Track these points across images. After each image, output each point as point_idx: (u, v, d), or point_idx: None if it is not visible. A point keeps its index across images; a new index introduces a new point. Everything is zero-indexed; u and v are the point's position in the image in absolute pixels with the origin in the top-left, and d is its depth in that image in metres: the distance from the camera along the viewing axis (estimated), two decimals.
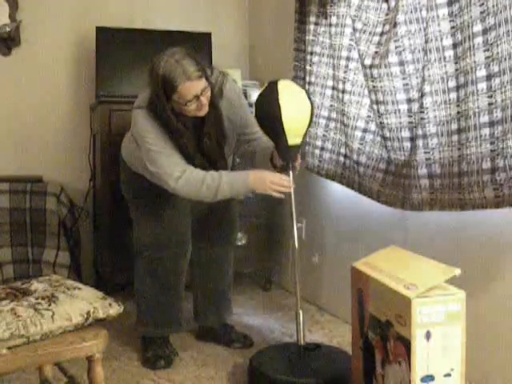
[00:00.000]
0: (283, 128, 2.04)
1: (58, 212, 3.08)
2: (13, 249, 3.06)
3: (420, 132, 2.07)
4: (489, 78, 1.80)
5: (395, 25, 2.13)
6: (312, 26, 2.70)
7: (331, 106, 2.67)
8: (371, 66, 2.25)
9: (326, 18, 2.60)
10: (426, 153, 2.06)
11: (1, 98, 3.34)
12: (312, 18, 2.70)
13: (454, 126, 1.97)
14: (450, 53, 1.95)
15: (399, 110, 2.19)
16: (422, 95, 2.04)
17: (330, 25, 2.55)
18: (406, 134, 2.19)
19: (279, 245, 3.45)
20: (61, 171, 3.43)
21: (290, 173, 2.14)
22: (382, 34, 2.26)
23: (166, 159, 2.11)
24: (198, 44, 3.41)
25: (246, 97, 3.02)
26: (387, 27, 2.23)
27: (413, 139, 2.14)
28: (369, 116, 2.43)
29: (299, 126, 2.09)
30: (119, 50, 3.31)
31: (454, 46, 1.93)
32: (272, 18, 3.57)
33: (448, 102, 1.98)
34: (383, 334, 1.74)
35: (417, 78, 2.12)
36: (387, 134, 2.26)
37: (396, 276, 1.72)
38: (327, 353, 2.22)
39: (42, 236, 3.08)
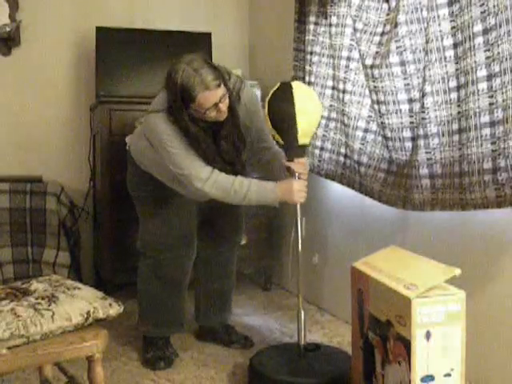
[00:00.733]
0: (296, 127, 2.06)
1: (58, 212, 3.08)
2: (13, 249, 3.06)
3: (421, 132, 2.07)
4: (489, 78, 1.80)
5: (396, 25, 2.13)
6: (312, 26, 2.70)
7: (331, 105, 2.67)
8: (372, 66, 2.25)
9: (325, 18, 2.60)
10: (427, 153, 2.06)
11: (1, 97, 3.34)
12: (312, 18, 2.70)
13: (455, 126, 1.97)
14: (450, 53, 1.95)
15: (400, 110, 2.19)
16: (423, 95, 2.04)
17: (330, 25, 2.55)
18: (407, 133, 2.19)
19: (279, 245, 3.45)
20: (61, 171, 3.43)
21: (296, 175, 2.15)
22: (382, 34, 2.26)
23: (191, 162, 2.10)
24: (197, 44, 3.41)
25: None
26: (388, 27, 2.23)
27: (414, 139, 2.14)
28: (370, 116, 2.43)
29: (311, 126, 2.12)
30: (119, 50, 3.32)
31: (455, 45, 1.93)
32: (272, 18, 3.58)
33: (449, 102, 1.98)
34: (383, 334, 1.74)
35: (418, 78, 2.12)
36: (389, 134, 2.26)
37: (396, 276, 1.72)
38: (327, 353, 2.22)
39: (42, 236, 3.08)
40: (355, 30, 2.38)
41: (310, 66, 2.73)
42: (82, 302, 1.65)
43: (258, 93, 3.28)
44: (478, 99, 1.84)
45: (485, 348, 2.04)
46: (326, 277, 3.06)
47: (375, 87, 2.25)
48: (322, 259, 3.09)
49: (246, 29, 3.87)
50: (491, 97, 1.80)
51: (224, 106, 2.05)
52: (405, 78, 2.15)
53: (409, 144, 2.19)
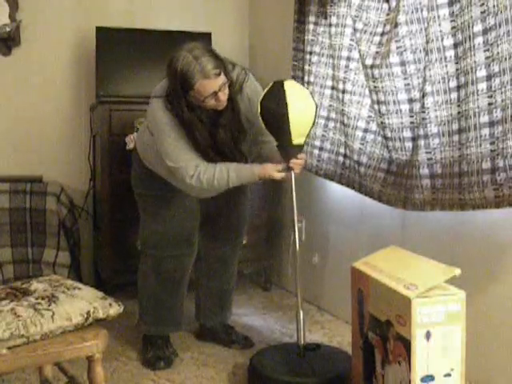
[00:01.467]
0: (289, 127, 2.05)
1: (58, 212, 3.08)
2: (13, 249, 3.06)
3: (421, 132, 2.07)
4: (489, 78, 1.80)
5: (396, 25, 2.13)
6: (311, 26, 2.70)
7: (330, 105, 2.67)
8: (372, 66, 2.25)
9: (325, 18, 2.60)
10: (427, 153, 2.06)
11: (1, 97, 3.34)
12: (311, 18, 2.70)
13: (455, 126, 1.97)
14: (450, 53, 1.95)
15: (401, 110, 2.19)
16: (424, 95, 2.04)
17: (330, 25, 2.55)
18: (407, 134, 2.19)
19: (279, 245, 3.45)
20: (61, 171, 3.43)
21: (292, 173, 2.15)
22: (382, 34, 2.26)
23: (181, 152, 2.12)
24: None
25: None
26: (388, 27, 2.23)
27: (414, 139, 2.14)
28: (370, 116, 2.43)
29: (305, 125, 2.11)
30: (119, 49, 3.32)
31: (455, 46, 1.93)
32: (272, 18, 3.58)
33: (449, 102, 1.98)
34: (383, 334, 1.74)
35: (418, 78, 2.12)
36: (389, 134, 2.26)
37: (396, 276, 1.72)
38: (327, 353, 2.22)
39: (42, 236, 3.08)
40: (355, 30, 2.38)
41: (309, 65, 2.73)
42: (82, 302, 1.65)
43: None
44: (478, 99, 1.84)
45: (485, 348, 2.04)
46: (326, 277, 3.06)
47: (375, 87, 2.25)
48: (322, 259, 3.09)
49: (246, 29, 3.87)
50: (490, 97, 1.80)
51: (223, 96, 2.05)
52: (405, 78, 2.15)
53: (409, 144, 2.19)
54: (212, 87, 2.01)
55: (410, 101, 2.16)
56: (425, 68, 2.03)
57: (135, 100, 3.11)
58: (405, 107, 2.18)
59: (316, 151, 2.75)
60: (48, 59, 3.42)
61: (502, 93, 1.76)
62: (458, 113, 1.94)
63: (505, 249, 1.97)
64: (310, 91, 2.72)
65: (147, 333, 2.45)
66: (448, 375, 1.63)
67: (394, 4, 2.21)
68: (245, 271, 3.32)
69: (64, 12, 3.43)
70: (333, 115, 2.66)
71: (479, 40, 1.81)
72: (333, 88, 2.63)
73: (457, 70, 1.93)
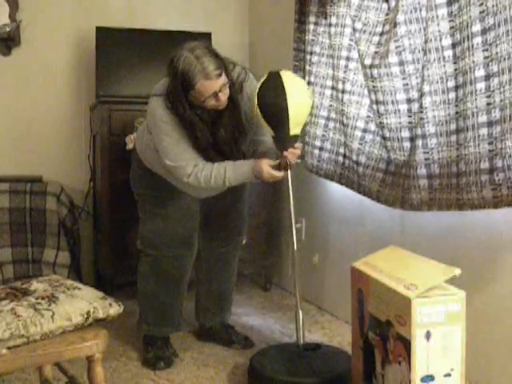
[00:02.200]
0: (288, 117, 2.05)
1: (58, 212, 3.08)
2: (13, 249, 3.06)
3: (419, 132, 2.07)
4: (487, 77, 1.80)
5: (395, 25, 2.13)
6: (312, 26, 2.70)
7: (330, 105, 2.67)
8: (371, 66, 2.25)
9: (325, 18, 2.60)
10: (425, 153, 2.06)
11: (1, 97, 3.34)
12: (312, 18, 2.70)
13: (453, 126, 1.97)
14: (449, 53, 1.95)
15: (399, 110, 2.19)
16: (422, 95, 2.04)
17: (330, 25, 2.55)
18: (405, 134, 2.19)
19: (279, 245, 3.45)
20: (61, 171, 3.43)
21: (289, 173, 2.15)
22: (381, 34, 2.26)
23: (179, 151, 2.12)
24: None
25: None
26: (387, 27, 2.23)
27: (412, 139, 2.14)
28: (368, 116, 2.43)
29: (302, 115, 2.11)
30: (119, 49, 3.32)
31: (453, 45, 1.93)
32: (272, 18, 3.58)
33: (447, 102, 1.98)
34: (383, 334, 1.74)
35: (417, 78, 2.12)
36: (387, 134, 2.26)
37: (396, 276, 1.72)
38: (327, 353, 2.22)
39: (42, 236, 3.08)
40: (354, 29, 2.38)
41: (309, 65, 2.73)
42: (82, 302, 1.65)
43: None
44: (476, 99, 1.83)
45: (485, 348, 2.04)
46: (326, 277, 3.06)
47: (374, 87, 2.25)
48: (322, 259, 3.09)
49: (245, 29, 3.87)
50: (489, 97, 1.80)
51: (223, 96, 2.06)
52: (403, 78, 2.15)
53: (407, 144, 2.19)
54: (213, 88, 2.01)
55: (409, 101, 2.16)
56: (423, 68, 2.03)
57: (135, 100, 3.11)
58: (403, 107, 2.18)
59: (316, 151, 2.75)
60: (48, 59, 3.42)
61: (500, 93, 1.76)
62: (456, 113, 1.94)
63: (505, 249, 1.97)
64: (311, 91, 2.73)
65: (147, 333, 2.46)
66: (448, 375, 1.63)
67: (393, 4, 2.21)
68: (245, 271, 3.32)
69: (64, 12, 3.43)
70: (333, 115, 2.66)
71: (478, 40, 1.81)
72: (333, 88, 2.63)
73: (455, 69, 1.93)
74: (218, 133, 2.15)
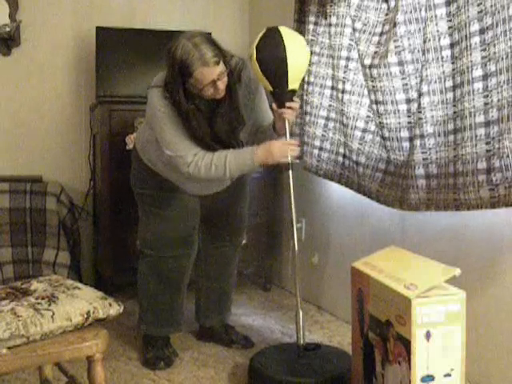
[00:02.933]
0: (287, 71, 2.06)
1: (58, 212, 3.08)
2: (13, 249, 3.06)
3: (417, 132, 2.07)
4: (485, 77, 1.80)
5: (395, 25, 2.13)
6: (311, 26, 2.70)
7: (330, 105, 2.67)
8: (371, 66, 2.25)
9: (325, 18, 2.60)
10: (423, 153, 2.06)
11: (1, 98, 3.34)
12: (311, 18, 2.70)
13: (451, 126, 1.97)
14: (447, 52, 1.95)
15: (398, 110, 2.19)
16: (420, 95, 2.04)
17: (330, 25, 2.55)
18: (404, 134, 2.19)
19: (279, 245, 3.45)
20: (61, 171, 3.43)
21: (290, 173, 2.15)
22: (381, 33, 2.26)
23: (179, 141, 2.11)
24: None
25: None
26: (387, 27, 2.23)
27: (411, 139, 2.14)
28: (368, 116, 2.43)
29: (301, 69, 2.13)
30: (119, 49, 3.31)
31: (452, 45, 1.93)
32: (272, 18, 3.57)
33: (445, 102, 1.98)
34: (383, 334, 1.74)
35: (416, 77, 2.12)
36: (386, 134, 2.26)
37: (396, 276, 1.72)
38: (327, 353, 2.22)
39: (42, 236, 3.08)
40: (354, 30, 2.38)
41: (309, 65, 2.73)
42: (82, 302, 1.65)
43: None
44: (474, 99, 1.83)
45: (485, 348, 2.04)
46: (326, 277, 3.06)
47: (374, 87, 2.25)
48: (322, 259, 3.09)
49: (246, 29, 3.87)
50: (486, 97, 1.80)
51: (222, 84, 2.06)
52: (403, 78, 2.15)
53: (406, 144, 2.19)
54: (211, 75, 2.01)
55: (408, 101, 2.16)
56: (422, 68, 2.03)
57: (135, 100, 3.11)
58: (402, 107, 2.18)
59: (316, 151, 2.75)
60: (48, 59, 3.42)
61: (498, 93, 1.76)
62: (454, 113, 1.94)
63: (505, 249, 1.97)
64: (310, 91, 2.73)
65: (147, 333, 2.45)
66: (448, 375, 1.63)
67: (392, 4, 2.21)
68: (245, 271, 3.32)
69: (64, 12, 3.43)
70: (333, 115, 2.66)
71: (476, 40, 1.81)
72: (332, 88, 2.63)
73: (453, 69, 1.93)
74: (215, 122, 2.15)
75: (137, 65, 3.33)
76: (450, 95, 1.96)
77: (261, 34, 2.12)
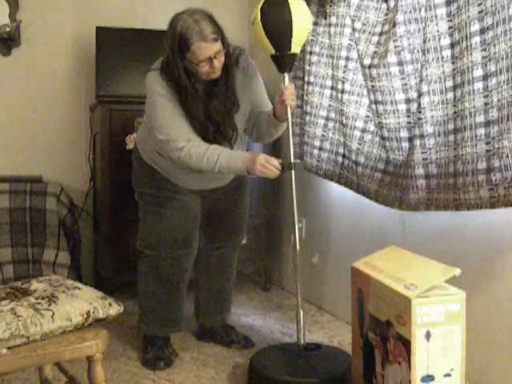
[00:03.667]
0: (292, 33, 2.07)
1: (58, 212, 3.08)
2: (13, 249, 3.06)
3: (417, 132, 2.07)
4: (485, 77, 1.80)
5: (394, 25, 2.13)
6: (311, 26, 2.70)
7: (330, 105, 2.67)
8: (370, 66, 2.25)
9: (325, 18, 2.61)
10: (423, 153, 2.06)
11: (1, 97, 3.34)
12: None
13: (451, 126, 1.97)
14: (447, 52, 1.95)
15: (398, 110, 2.19)
16: (420, 95, 2.04)
17: (330, 25, 2.55)
18: (404, 134, 2.19)
19: (279, 245, 3.45)
20: (61, 171, 3.43)
21: (293, 173, 2.15)
22: (381, 33, 2.26)
23: (172, 125, 2.12)
24: None
25: None
26: (386, 27, 2.23)
27: (411, 139, 2.14)
28: (368, 116, 2.43)
29: (304, 32, 2.15)
30: (119, 49, 3.31)
31: (452, 45, 1.93)
32: None
33: (445, 102, 1.98)
34: (383, 334, 1.74)
35: (415, 78, 2.12)
36: (386, 134, 2.26)
37: (396, 276, 1.72)
38: (327, 353, 2.22)
39: (42, 236, 3.08)
40: (354, 29, 2.38)
41: (309, 65, 2.74)
42: (82, 302, 1.65)
43: None
44: (474, 99, 1.83)
45: (485, 348, 2.04)
46: (326, 277, 3.06)
47: (373, 87, 2.25)
48: (322, 259, 3.09)
49: (245, 29, 3.87)
50: (486, 97, 1.80)
51: (218, 63, 2.08)
52: (402, 78, 2.15)
53: (405, 144, 2.19)
54: (208, 51, 2.03)
55: (408, 101, 2.16)
56: (422, 68, 2.03)
57: (135, 100, 3.10)
58: (402, 107, 2.18)
59: (316, 151, 2.76)
60: (48, 59, 3.42)
61: (498, 93, 1.76)
62: (454, 112, 1.94)
63: (504, 249, 1.97)
64: (310, 91, 2.73)
65: (147, 333, 2.45)
66: (448, 375, 1.63)
67: (392, 4, 2.21)
68: (245, 271, 3.32)
69: (64, 12, 3.43)
70: (332, 115, 2.67)
71: (476, 39, 1.81)
72: (332, 88, 2.64)
73: (453, 69, 1.93)
74: (211, 103, 2.16)
75: (137, 65, 3.32)
76: (450, 95, 1.96)
77: None
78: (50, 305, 1.60)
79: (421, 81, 2.03)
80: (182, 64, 2.08)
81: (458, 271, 1.65)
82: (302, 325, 2.16)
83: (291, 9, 2.06)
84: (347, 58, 2.49)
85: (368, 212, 2.66)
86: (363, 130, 2.45)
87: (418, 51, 2.09)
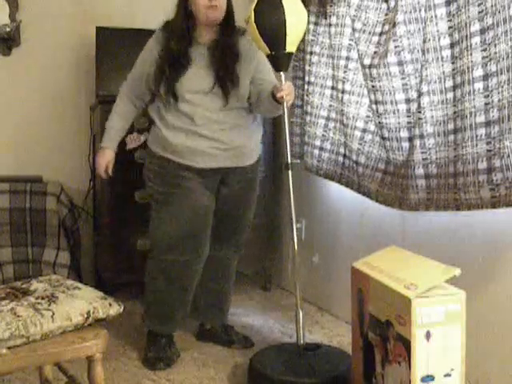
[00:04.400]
0: (285, 33, 2.08)
1: (58, 212, 3.07)
2: (13, 249, 3.06)
3: (417, 132, 2.07)
4: (486, 77, 1.80)
5: (394, 25, 2.13)
6: (312, 26, 2.70)
7: (330, 106, 2.67)
8: (370, 66, 2.25)
9: (325, 18, 2.61)
10: (423, 153, 2.06)
11: (0, 97, 3.34)
12: (312, 18, 2.70)
13: (451, 126, 1.97)
14: (447, 52, 1.95)
15: (398, 110, 2.19)
16: (420, 95, 2.04)
17: (330, 25, 2.55)
18: (404, 134, 2.19)
19: (279, 245, 3.45)
20: (61, 171, 3.43)
21: (290, 173, 2.15)
22: (381, 33, 2.26)
23: (131, 78, 2.53)
24: None
25: None
26: (386, 27, 2.23)
27: (411, 139, 2.14)
28: (368, 116, 2.43)
29: (299, 32, 2.14)
30: (119, 50, 3.31)
31: (452, 45, 1.93)
32: None
33: (445, 102, 1.98)
34: (383, 334, 1.74)
35: (415, 77, 2.12)
36: (386, 134, 2.26)
37: (396, 276, 1.72)
38: (327, 353, 2.22)
39: (42, 236, 3.08)
40: (354, 29, 2.38)
41: (309, 65, 2.74)
42: (82, 302, 1.65)
43: None
44: (474, 99, 1.84)
45: (485, 348, 2.04)
46: (326, 277, 3.06)
47: (373, 87, 2.25)
48: (322, 259, 3.09)
49: (245, 29, 3.87)
50: (487, 97, 1.80)
51: (220, 2, 2.24)
52: (402, 78, 2.15)
53: (406, 144, 2.19)
54: None
55: (408, 101, 2.16)
56: (421, 67, 2.03)
57: None
58: (402, 107, 2.18)
59: (316, 151, 2.76)
60: (48, 59, 3.41)
61: (498, 93, 1.76)
62: (454, 112, 1.94)
63: (504, 249, 1.97)
64: (311, 91, 2.73)
65: (151, 328, 2.43)
66: (448, 375, 1.63)
67: (392, 4, 2.21)
68: (245, 271, 3.32)
69: (64, 12, 3.42)
70: (333, 115, 2.67)
71: (476, 40, 1.81)
72: (333, 88, 2.64)
73: (453, 69, 1.93)
74: (213, 54, 2.28)
75: None
76: (450, 95, 1.96)
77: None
78: (50, 305, 1.60)
79: (421, 81, 2.03)
80: (185, 9, 2.29)
81: (457, 271, 1.65)
82: (302, 325, 2.16)
83: (284, 8, 2.06)
84: (347, 58, 2.49)
85: (368, 212, 2.66)
86: (364, 130, 2.45)
87: (418, 51, 2.10)
